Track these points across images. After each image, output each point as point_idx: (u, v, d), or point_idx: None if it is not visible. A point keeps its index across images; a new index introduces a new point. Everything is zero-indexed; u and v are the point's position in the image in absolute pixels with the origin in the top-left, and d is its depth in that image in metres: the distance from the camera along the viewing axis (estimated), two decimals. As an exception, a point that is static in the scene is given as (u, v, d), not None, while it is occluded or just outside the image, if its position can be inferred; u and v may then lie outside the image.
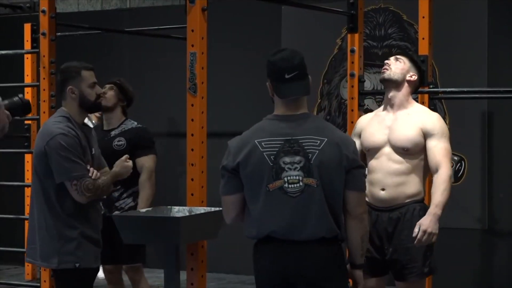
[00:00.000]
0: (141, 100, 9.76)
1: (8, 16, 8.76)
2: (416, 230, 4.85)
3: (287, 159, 3.87)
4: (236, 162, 3.93)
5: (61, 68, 4.99)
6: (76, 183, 4.65)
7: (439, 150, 5.04)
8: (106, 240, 5.93)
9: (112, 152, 5.93)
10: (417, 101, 7.60)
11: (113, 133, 6.31)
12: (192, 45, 5.13)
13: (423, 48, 7.19)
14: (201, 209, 4.99)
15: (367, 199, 4.89)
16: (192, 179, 5.09)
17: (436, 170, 4.99)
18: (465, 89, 7.58)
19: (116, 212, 5.90)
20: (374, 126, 5.26)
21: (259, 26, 9.42)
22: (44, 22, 6.92)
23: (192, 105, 5.13)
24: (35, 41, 7.71)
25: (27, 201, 8.07)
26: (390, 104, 5.24)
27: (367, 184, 4.82)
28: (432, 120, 5.16)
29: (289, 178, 3.86)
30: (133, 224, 4.91)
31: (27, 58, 8.09)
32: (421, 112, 5.25)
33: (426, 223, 4.85)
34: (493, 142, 8.39)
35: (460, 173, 8.48)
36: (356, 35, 6.86)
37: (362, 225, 4.03)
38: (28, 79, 8.13)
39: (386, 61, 5.30)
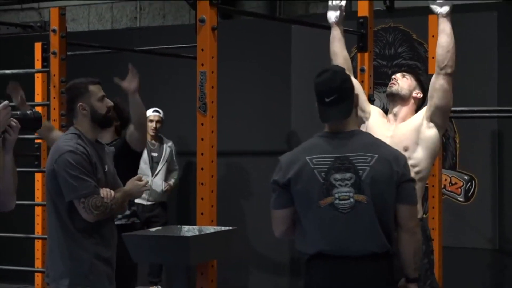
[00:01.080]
0: (151, 119, 9.80)
1: (19, 35, 8.79)
2: None
3: (337, 176, 3.91)
4: (287, 178, 3.96)
5: (67, 86, 4.94)
6: (83, 201, 4.58)
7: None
8: None
9: None
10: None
11: None
12: (202, 64, 5.15)
13: (433, 67, 7.15)
14: (211, 229, 4.98)
15: None
16: (202, 198, 5.09)
17: None
18: (475, 108, 7.57)
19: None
20: (379, 128, 5.26)
21: (269, 45, 9.43)
22: (54, 41, 6.96)
23: (202, 124, 5.14)
24: (45, 60, 7.72)
25: (37, 220, 8.06)
26: (394, 118, 5.25)
27: None
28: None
29: (339, 194, 3.90)
30: (143, 243, 4.90)
31: (38, 77, 8.09)
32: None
33: None
34: (504, 161, 8.37)
35: (471, 193, 8.46)
36: (366, 54, 6.87)
37: (414, 239, 4.05)
38: (38, 98, 8.14)
39: (393, 76, 5.32)
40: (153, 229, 5.39)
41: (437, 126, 5.10)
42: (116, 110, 6.33)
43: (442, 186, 8.03)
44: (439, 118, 5.10)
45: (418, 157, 5.02)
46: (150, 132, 8.92)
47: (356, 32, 6.85)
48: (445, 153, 8.27)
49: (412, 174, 4.78)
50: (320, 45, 9.02)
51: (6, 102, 3.93)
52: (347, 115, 4.03)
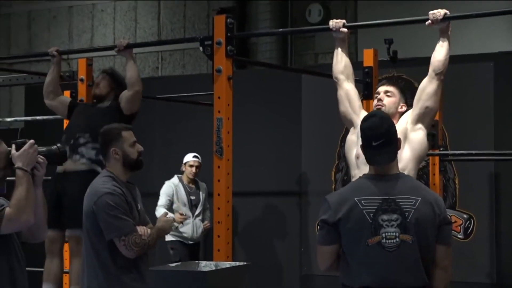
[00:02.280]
0: (170, 161, 9.80)
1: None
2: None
3: (385, 217, 3.92)
4: (337, 217, 3.96)
5: (102, 132, 4.94)
6: (124, 239, 4.59)
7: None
8: (55, 202, 5.99)
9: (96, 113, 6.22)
10: (427, 163, 7.61)
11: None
12: (219, 111, 5.16)
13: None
14: (227, 264, 4.96)
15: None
16: (219, 236, 5.08)
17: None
18: (473, 152, 7.56)
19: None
20: None
21: (281, 93, 9.45)
22: (82, 89, 7.00)
23: (219, 167, 5.14)
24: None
25: (65, 255, 8.02)
26: None
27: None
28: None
29: (387, 234, 3.91)
30: (164, 278, 4.87)
31: (66, 123, 8.11)
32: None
33: None
34: (501, 201, 8.33)
35: (470, 230, 8.41)
36: (371, 102, 6.87)
37: (447, 275, 4.07)
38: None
39: (378, 97, 5.29)
40: (173, 265, 5.36)
41: (424, 127, 5.10)
42: (111, 77, 6.38)
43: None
44: (427, 118, 5.12)
45: (405, 158, 4.98)
46: (190, 175, 8.88)
47: (362, 80, 6.86)
48: (445, 193, 8.24)
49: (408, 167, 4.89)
50: (328, 93, 9.02)
51: (32, 141, 3.96)
52: (393, 159, 4.05)
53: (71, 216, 5.91)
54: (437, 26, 4.97)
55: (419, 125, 5.10)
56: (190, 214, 8.85)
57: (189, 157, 8.85)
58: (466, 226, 8.43)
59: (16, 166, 3.91)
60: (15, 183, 3.90)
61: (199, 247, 9.00)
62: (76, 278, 5.97)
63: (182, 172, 8.98)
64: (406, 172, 4.84)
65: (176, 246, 8.73)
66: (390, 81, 5.30)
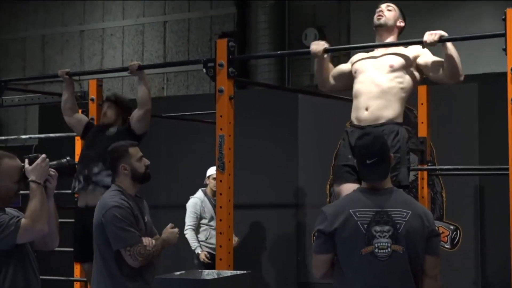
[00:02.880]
0: (176, 176, 9.80)
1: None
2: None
3: (378, 228, 3.94)
4: (333, 228, 3.97)
5: (110, 149, 4.96)
6: (129, 250, 4.61)
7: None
8: (85, 236, 5.84)
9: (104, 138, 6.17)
10: (416, 178, 7.61)
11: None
12: (221, 129, 5.17)
13: (422, 131, 7.20)
14: (228, 272, 4.95)
15: (354, 121, 5.12)
16: (221, 246, 5.08)
17: None
18: (459, 167, 7.57)
19: None
20: (365, 61, 5.38)
21: (279, 111, 9.46)
22: (92, 108, 7.01)
23: (221, 181, 5.15)
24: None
25: (76, 264, 8.02)
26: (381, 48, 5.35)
27: (353, 110, 5.09)
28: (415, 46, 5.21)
29: (379, 244, 3.93)
30: (167, 285, 4.87)
31: (78, 139, 8.12)
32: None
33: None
34: (485, 213, 8.33)
35: (456, 241, 8.41)
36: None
37: (436, 284, 4.08)
38: (77, 158, 8.15)
39: (378, 9, 5.36)
40: (177, 273, 5.35)
41: (420, 70, 5.22)
42: (116, 104, 6.34)
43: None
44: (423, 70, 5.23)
45: (405, 76, 5.17)
46: (214, 188, 8.52)
47: (355, 100, 6.86)
48: (433, 205, 8.24)
49: (398, 87, 5.02)
50: (323, 112, 9.07)
51: (43, 155, 3.98)
52: (386, 175, 4.07)
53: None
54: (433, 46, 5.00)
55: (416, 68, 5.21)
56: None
57: (212, 170, 8.62)
58: (453, 236, 8.42)
59: (29, 179, 3.92)
60: (29, 195, 3.91)
61: None
62: None
63: (205, 185, 8.80)
64: (402, 86, 5.04)
65: (208, 257, 8.47)
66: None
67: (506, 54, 4.52)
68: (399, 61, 5.19)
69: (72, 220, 7.79)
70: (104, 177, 6.15)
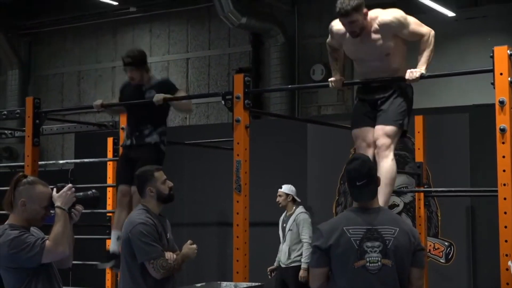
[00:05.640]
0: (197, 197, 9.81)
1: (95, 132, 8.87)
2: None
3: (369, 244, 3.91)
4: (328, 244, 3.94)
5: (137, 174, 4.97)
6: (153, 262, 4.61)
7: (414, 29, 4.97)
8: (126, 163, 6.10)
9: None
10: (414, 199, 7.58)
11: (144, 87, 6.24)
12: (238, 155, 5.16)
13: (419, 157, 7.18)
14: (244, 284, 4.93)
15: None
16: (238, 260, 5.06)
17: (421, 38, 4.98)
18: (453, 189, 7.54)
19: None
20: (350, 42, 5.10)
21: (290, 139, 9.47)
22: (122, 136, 7.02)
23: (238, 201, 5.13)
24: (115, 151, 7.79)
25: (107, 276, 8.02)
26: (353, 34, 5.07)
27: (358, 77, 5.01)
28: (390, 16, 4.99)
29: (370, 258, 3.90)
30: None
31: (109, 164, 8.16)
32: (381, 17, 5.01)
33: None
34: (476, 230, 8.29)
35: (450, 256, 8.36)
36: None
37: None
38: (109, 181, 8.18)
39: (347, 29, 5.00)
40: (198, 285, 5.33)
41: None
42: (138, 66, 6.09)
43: (427, 251, 7.95)
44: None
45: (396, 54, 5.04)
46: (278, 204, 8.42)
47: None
48: (429, 224, 8.21)
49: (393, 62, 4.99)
50: (329, 139, 9.08)
51: (70, 185, 4.02)
52: (374, 195, 4.05)
53: None
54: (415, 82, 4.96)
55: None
56: (282, 239, 8.33)
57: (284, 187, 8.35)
58: (447, 252, 8.37)
59: (56, 205, 3.96)
60: (55, 219, 3.94)
61: (291, 272, 8.16)
62: (119, 224, 5.87)
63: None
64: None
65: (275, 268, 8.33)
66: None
67: (494, 88, 4.52)
68: (390, 48, 5.02)
69: (105, 237, 7.82)
70: (154, 135, 6.13)
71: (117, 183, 6.20)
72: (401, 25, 4.97)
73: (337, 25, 5.13)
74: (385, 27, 4.96)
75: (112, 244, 6.08)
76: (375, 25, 4.97)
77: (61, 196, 3.97)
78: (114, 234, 6.09)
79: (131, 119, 6.33)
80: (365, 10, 4.92)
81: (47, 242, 3.86)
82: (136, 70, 6.15)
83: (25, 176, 4.03)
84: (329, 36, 5.28)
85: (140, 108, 6.16)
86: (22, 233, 3.87)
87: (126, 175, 6.00)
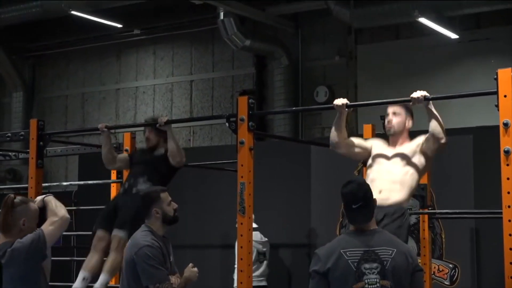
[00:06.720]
0: (201, 219, 9.78)
1: (99, 153, 8.89)
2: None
3: (367, 265, 3.90)
4: (326, 267, 3.93)
5: (143, 194, 4.99)
6: (158, 286, 4.58)
7: None
8: (110, 211, 6.18)
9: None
10: (418, 221, 7.56)
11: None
12: (242, 176, 5.16)
13: (423, 178, 7.15)
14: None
15: None
16: (241, 283, 5.04)
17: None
18: (457, 211, 7.51)
19: None
20: (382, 146, 5.40)
21: (294, 161, 9.46)
22: (126, 158, 7.00)
23: (242, 223, 5.12)
24: (119, 173, 7.78)
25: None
26: (393, 144, 5.38)
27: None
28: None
29: (369, 280, 3.88)
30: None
31: (113, 186, 8.15)
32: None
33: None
34: (481, 252, 8.25)
35: (455, 278, 8.32)
36: (365, 168, 6.85)
37: None
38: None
39: (387, 119, 5.37)
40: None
41: (426, 156, 5.22)
42: (156, 128, 6.26)
43: (432, 273, 7.90)
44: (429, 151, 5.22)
45: (415, 167, 5.21)
46: None
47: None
48: (433, 246, 8.18)
49: (409, 179, 5.16)
50: (332, 161, 9.06)
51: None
52: (370, 218, 4.04)
53: (120, 219, 6.05)
54: (419, 104, 4.99)
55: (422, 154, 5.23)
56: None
57: None
58: (451, 274, 8.33)
59: (45, 196, 4.29)
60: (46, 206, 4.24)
61: None
62: (108, 267, 6.01)
63: None
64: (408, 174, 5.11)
65: None
66: (396, 103, 5.33)
67: (498, 110, 4.53)
68: (411, 155, 5.23)
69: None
70: (143, 184, 6.22)
71: (96, 226, 6.25)
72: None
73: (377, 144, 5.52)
74: (413, 143, 5.34)
75: (76, 283, 6.05)
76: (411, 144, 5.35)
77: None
78: (81, 274, 6.10)
79: (131, 172, 6.55)
80: (411, 120, 5.38)
81: (42, 228, 4.11)
82: (154, 133, 6.36)
83: (15, 197, 4.14)
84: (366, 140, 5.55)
85: (141, 164, 6.36)
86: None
87: (108, 221, 6.13)
